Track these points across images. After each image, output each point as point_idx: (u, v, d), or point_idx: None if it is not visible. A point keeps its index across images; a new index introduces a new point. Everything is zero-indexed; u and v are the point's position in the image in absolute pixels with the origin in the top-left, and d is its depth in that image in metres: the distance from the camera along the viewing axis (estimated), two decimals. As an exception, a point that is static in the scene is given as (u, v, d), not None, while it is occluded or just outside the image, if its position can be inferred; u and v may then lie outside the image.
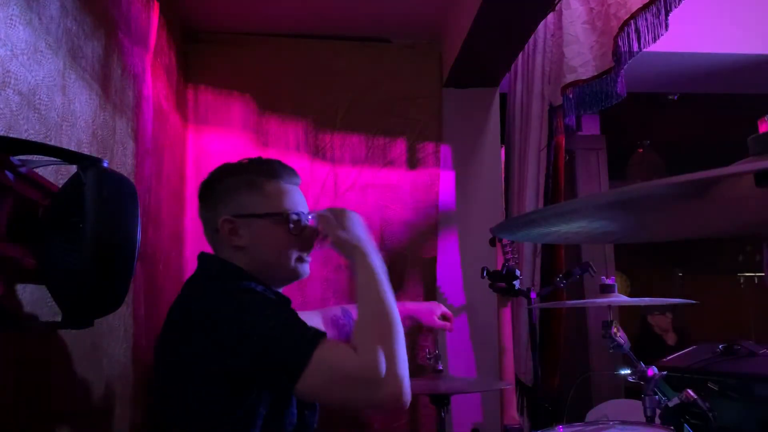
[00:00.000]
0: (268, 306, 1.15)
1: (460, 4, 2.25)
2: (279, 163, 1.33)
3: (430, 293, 2.46)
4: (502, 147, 2.76)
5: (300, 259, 1.29)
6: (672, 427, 1.35)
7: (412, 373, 2.32)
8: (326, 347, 1.07)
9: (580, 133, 3.41)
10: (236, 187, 1.27)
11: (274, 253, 1.26)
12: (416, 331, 2.42)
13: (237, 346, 1.08)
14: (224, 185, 1.29)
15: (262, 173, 1.29)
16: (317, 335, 1.08)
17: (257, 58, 2.52)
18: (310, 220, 1.30)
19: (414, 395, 2.32)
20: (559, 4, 2.28)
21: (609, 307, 1.70)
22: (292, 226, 1.26)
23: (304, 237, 1.28)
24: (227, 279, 1.22)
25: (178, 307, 1.23)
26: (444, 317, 1.88)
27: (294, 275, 1.30)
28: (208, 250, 1.35)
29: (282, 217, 1.26)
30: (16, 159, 0.94)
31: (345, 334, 1.83)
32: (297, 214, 1.27)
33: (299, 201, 1.31)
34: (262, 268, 1.26)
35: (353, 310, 1.79)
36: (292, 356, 1.05)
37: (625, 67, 2.10)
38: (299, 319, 1.13)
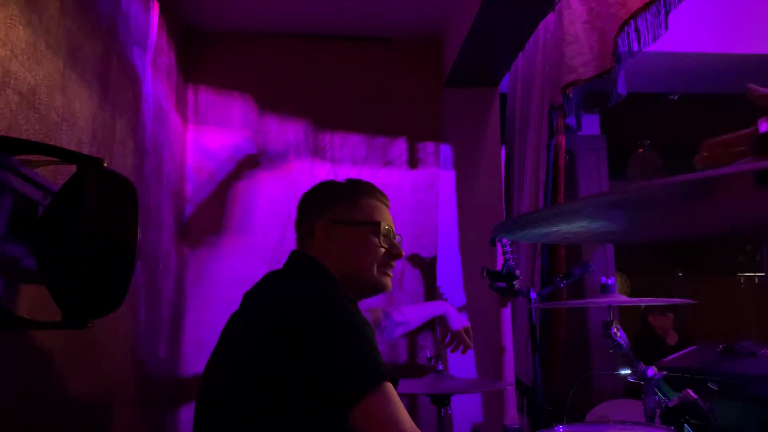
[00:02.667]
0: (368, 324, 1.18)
1: (460, 4, 2.25)
2: (373, 184, 1.46)
3: (430, 293, 2.46)
4: (502, 147, 2.76)
5: (384, 271, 1.39)
6: (672, 427, 1.35)
7: (413, 373, 2.34)
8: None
9: (580, 133, 3.41)
10: (335, 196, 1.40)
11: (362, 260, 1.36)
12: (416, 330, 2.42)
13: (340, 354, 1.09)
14: (324, 193, 1.42)
15: (359, 189, 1.42)
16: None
17: (257, 58, 2.52)
18: (397, 238, 1.44)
19: (414, 395, 2.33)
20: (559, 4, 2.28)
21: (609, 307, 1.71)
22: (382, 237, 1.37)
23: (390, 251, 1.40)
24: (328, 283, 1.27)
25: (275, 302, 1.21)
26: (467, 332, 2.05)
27: (377, 285, 1.39)
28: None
29: (374, 226, 1.37)
30: (16, 159, 0.94)
31: (386, 337, 1.89)
32: (388, 227, 1.39)
33: (389, 219, 1.43)
34: (350, 274, 1.34)
35: (394, 313, 1.94)
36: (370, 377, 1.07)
37: (625, 66, 2.10)
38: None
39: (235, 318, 1.32)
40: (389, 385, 1.10)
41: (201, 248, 2.34)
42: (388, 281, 1.40)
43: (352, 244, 1.35)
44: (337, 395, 1.06)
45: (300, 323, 1.12)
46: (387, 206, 1.45)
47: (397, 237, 1.43)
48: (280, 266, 1.42)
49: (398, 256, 1.41)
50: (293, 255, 1.39)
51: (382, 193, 1.44)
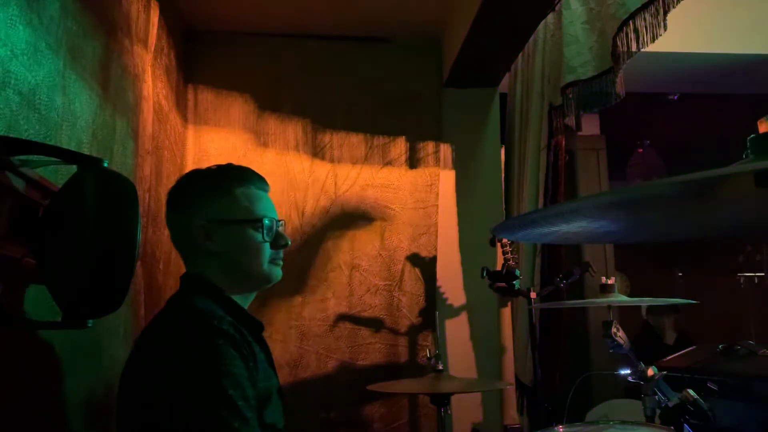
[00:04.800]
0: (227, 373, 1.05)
1: (460, 4, 2.25)
2: (249, 169, 1.33)
3: (430, 293, 2.46)
4: (502, 147, 2.76)
5: (273, 262, 1.30)
6: (672, 427, 1.34)
7: (413, 373, 2.33)
8: None
9: (580, 133, 3.41)
10: (209, 192, 1.27)
11: (249, 258, 1.26)
12: (416, 330, 2.43)
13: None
14: (196, 190, 1.28)
15: (234, 179, 1.29)
16: None
17: (257, 58, 2.52)
18: (280, 225, 1.33)
19: (414, 395, 2.33)
20: (558, 4, 2.28)
21: (609, 307, 1.70)
22: (265, 232, 1.26)
23: (277, 242, 1.29)
24: (203, 319, 1.13)
25: (152, 332, 1.15)
26: None
27: (267, 279, 1.29)
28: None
29: (257, 223, 1.26)
30: (16, 159, 0.94)
31: None
32: (270, 219, 1.28)
33: (270, 207, 1.32)
34: (237, 274, 1.26)
35: None
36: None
37: (624, 66, 2.10)
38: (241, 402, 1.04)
39: None
40: None
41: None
42: (278, 271, 1.31)
43: (235, 243, 1.24)
44: None
45: (147, 365, 1.06)
46: (266, 191, 1.33)
47: (281, 222, 1.32)
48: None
49: (285, 245, 1.30)
50: (182, 279, 1.28)
51: (259, 177, 1.32)
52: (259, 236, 1.25)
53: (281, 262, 1.32)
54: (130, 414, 1.08)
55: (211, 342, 1.06)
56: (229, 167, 1.33)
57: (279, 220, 1.31)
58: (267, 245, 1.27)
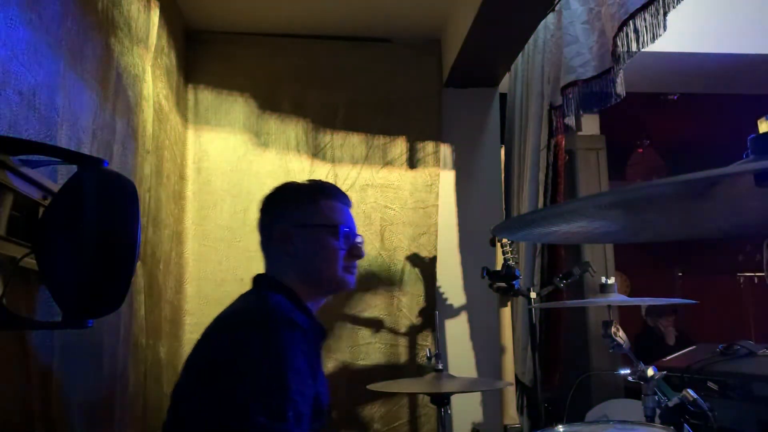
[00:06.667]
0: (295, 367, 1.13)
1: (460, 4, 2.26)
2: (335, 186, 1.48)
3: (430, 293, 2.46)
4: (502, 147, 2.76)
5: (347, 269, 1.39)
6: (672, 427, 1.35)
7: (413, 373, 2.33)
8: None
9: (580, 133, 3.41)
10: (294, 200, 1.40)
11: (323, 262, 1.36)
12: (416, 330, 2.43)
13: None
14: (284, 197, 1.42)
15: (319, 192, 1.42)
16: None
17: (257, 58, 2.52)
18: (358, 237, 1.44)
19: (414, 395, 2.33)
20: (558, 4, 2.28)
21: (609, 307, 1.71)
22: (342, 238, 1.37)
23: (350, 252, 1.40)
24: (276, 318, 1.20)
25: (225, 328, 1.21)
26: None
27: (339, 284, 1.39)
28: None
29: (333, 229, 1.37)
30: (16, 159, 0.94)
31: None
32: (347, 228, 1.40)
33: (350, 220, 1.43)
34: (310, 278, 1.35)
35: None
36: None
37: (625, 66, 2.10)
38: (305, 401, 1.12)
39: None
40: None
41: (201, 248, 2.34)
42: (352, 278, 1.41)
43: (312, 246, 1.35)
44: None
45: (221, 353, 1.12)
46: (348, 206, 1.46)
47: (359, 237, 1.44)
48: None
49: (358, 256, 1.42)
50: (254, 279, 1.38)
51: (343, 194, 1.45)
52: (334, 242, 1.36)
53: (355, 271, 1.42)
54: (193, 390, 1.14)
55: (282, 330, 1.14)
56: (319, 182, 1.46)
57: (358, 235, 1.43)
58: (341, 252, 1.37)
